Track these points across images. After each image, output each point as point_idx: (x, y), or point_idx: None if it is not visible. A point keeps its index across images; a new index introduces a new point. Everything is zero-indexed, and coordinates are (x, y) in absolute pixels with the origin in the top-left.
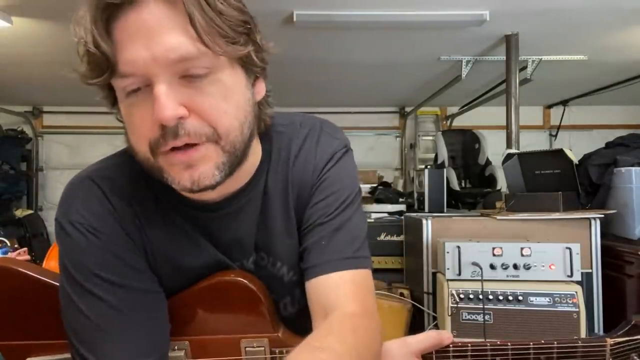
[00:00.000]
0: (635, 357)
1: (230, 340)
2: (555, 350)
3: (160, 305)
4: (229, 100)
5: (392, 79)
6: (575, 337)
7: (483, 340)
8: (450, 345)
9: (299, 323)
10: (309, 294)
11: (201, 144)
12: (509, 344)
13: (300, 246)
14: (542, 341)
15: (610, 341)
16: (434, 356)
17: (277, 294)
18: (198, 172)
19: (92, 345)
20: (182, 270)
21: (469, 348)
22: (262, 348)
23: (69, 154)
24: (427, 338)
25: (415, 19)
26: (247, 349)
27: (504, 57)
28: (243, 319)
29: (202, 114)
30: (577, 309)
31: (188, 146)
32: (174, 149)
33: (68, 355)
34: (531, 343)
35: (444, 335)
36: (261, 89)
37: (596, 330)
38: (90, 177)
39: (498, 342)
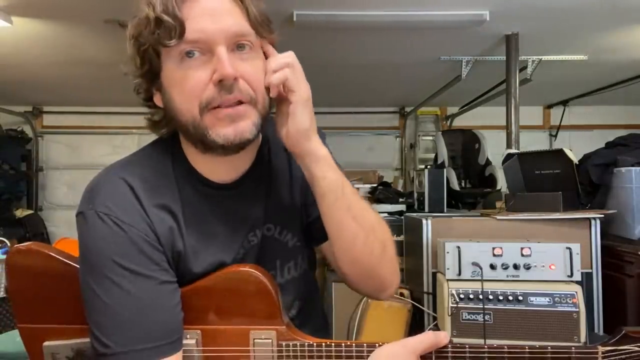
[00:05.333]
0: None
1: (240, 330)
2: (550, 356)
3: (175, 295)
4: (262, 74)
5: (392, 79)
6: (569, 344)
7: (481, 342)
8: (449, 346)
9: (299, 286)
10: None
11: (246, 102)
12: (505, 347)
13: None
14: (537, 345)
15: (602, 349)
16: (433, 356)
17: (282, 259)
18: (241, 126)
19: (109, 330)
20: (207, 249)
21: (467, 349)
22: (270, 340)
23: (69, 154)
24: (426, 338)
25: (415, 19)
26: (255, 340)
27: (504, 57)
28: (253, 310)
29: (249, 80)
30: (577, 309)
31: (235, 104)
32: (218, 107)
33: (83, 340)
34: (527, 347)
35: (441, 335)
36: None
37: (596, 330)
38: (117, 174)
39: (495, 345)
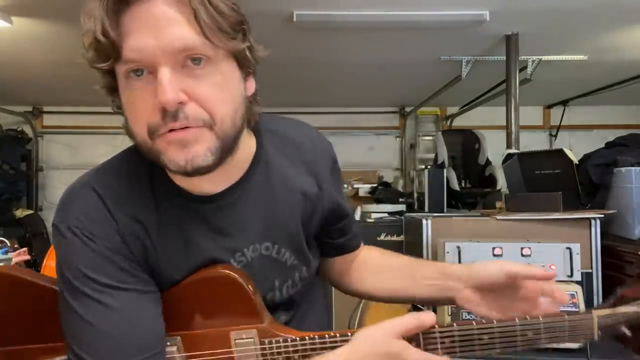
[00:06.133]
0: (626, 330)
1: (220, 333)
2: (542, 326)
3: (153, 305)
4: (225, 90)
5: (392, 79)
6: (561, 311)
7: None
8: (436, 326)
9: (297, 303)
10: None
11: (197, 127)
12: (494, 321)
13: (331, 230)
14: (527, 317)
15: (596, 313)
16: (421, 338)
17: (280, 278)
18: (192, 152)
19: (87, 345)
20: (185, 265)
21: (455, 329)
22: (252, 339)
23: (69, 154)
24: (407, 319)
25: (415, 19)
26: (236, 341)
27: (504, 57)
28: (231, 311)
29: (201, 101)
30: (577, 309)
31: (184, 128)
32: (171, 130)
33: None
34: (517, 319)
35: (423, 316)
36: (252, 85)
37: None
38: (89, 184)
39: (484, 321)
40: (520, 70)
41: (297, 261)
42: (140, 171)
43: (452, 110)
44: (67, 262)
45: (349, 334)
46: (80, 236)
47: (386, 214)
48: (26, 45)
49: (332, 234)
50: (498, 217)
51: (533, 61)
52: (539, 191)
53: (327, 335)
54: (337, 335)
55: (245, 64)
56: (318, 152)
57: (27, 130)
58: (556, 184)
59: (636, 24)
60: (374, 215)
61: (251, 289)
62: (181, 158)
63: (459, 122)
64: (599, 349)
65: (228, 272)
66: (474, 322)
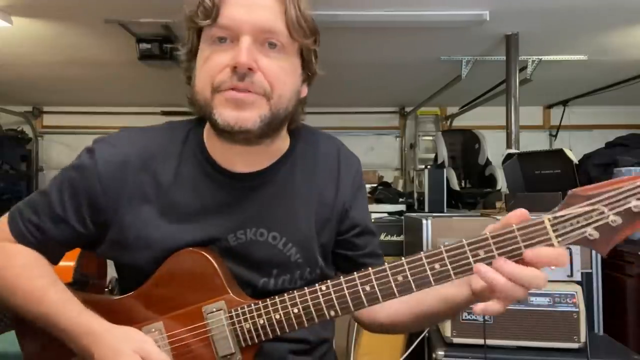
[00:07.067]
0: (593, 232)
1: (194, 310)
2: (491, 242)
3: (63, 245)
4: (289, 75)
5: (392, 79)
6: (512, 225)
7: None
8: (355, 273)
9: None
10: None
11: (257, 94)
12: (341, 278)
13: (338, 241)
14: (475, 237)
15: (547, 217)
16: (343, 283)
17: (279, 270)
18: (244, 115)
19: (28, 204)
20: (184, 224)
21: (371, 271)
22: (221, 310)
23: (69, 154)
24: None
25: (415, 19)
26: (208, 314)
27: (504, 57)
28: (201, 287)
29: (267, 75)
30: (577, 309)
31: (246, 92)
32: (233, 89)
33: None
34: (464, 240)
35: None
36: (305, 91)
37: (596, 330)
38: (135, 135)
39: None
40: (520, 70)
41: (302, 260)
42: (176, 137)
43: (452, 110)
44: (69, 167)
45: (305, 289)
46: (94, 160)
47: (386, 214)
48: (26, 45)
49: (340, 243)
50: (498, 217)
51: (533, 61)
52: (539, 191)
53: (286, 295)
54: (295, 293)
55: (308, 67)
56: (343, 165)
57: (27, 130)
58: (556, 184)
59: (636, 24)
60: (374, 215)
61: (216, 261)
62: (232, 117)
63: (459, 122)
64: (599, 348)
65: (194, 249)
66: (385, 264)
